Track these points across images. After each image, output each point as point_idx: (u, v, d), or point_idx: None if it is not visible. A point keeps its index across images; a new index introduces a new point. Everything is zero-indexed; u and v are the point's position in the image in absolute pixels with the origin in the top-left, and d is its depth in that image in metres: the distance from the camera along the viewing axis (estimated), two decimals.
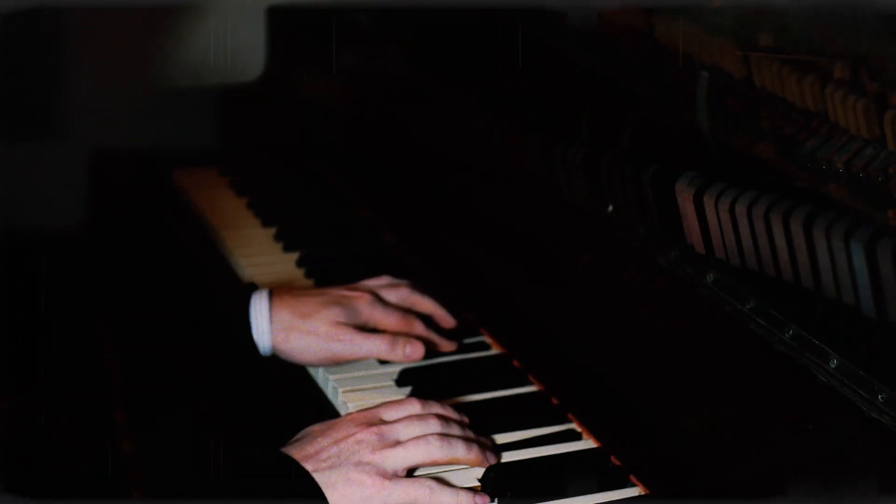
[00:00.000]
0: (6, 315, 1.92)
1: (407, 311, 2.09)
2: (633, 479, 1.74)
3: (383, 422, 1.75)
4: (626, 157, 1.80)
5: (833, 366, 1.49)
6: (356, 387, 2.00)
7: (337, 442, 1.71)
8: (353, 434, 1.71)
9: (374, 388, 2.00)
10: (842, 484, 1.46)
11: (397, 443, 1.72)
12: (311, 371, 2.07)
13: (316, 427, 1.76)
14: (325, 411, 2.00)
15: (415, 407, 1.78)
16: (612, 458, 1.79)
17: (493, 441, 1.83)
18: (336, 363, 2.04)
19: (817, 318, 1.50)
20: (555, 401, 1.94)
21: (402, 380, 2.01)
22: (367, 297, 2.07)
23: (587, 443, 1.84)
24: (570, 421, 1.88)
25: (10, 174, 1.92)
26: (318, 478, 1.67)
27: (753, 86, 1.57)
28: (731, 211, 1.49)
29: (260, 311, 2.01)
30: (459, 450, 1.74)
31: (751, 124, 1.58)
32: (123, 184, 2.52)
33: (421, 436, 1.73)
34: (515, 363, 2.05)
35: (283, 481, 1.68)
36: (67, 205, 2.04)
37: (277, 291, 2.06)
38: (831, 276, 1.37)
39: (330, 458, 1.69)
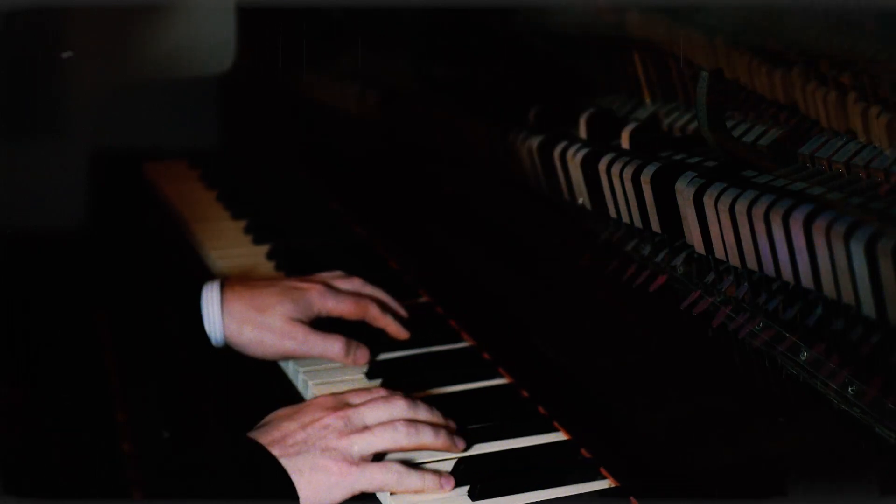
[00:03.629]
0: (4, 315, 1.86)
1: (360, 296, 2.02)
2: (603, 471, 1.70)
3: (350, 405, 1.69)
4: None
5: (804, 358, 1.45)
6: (326, 379, 1.94)
7: (304, 427, 1.65)
8: (320, 419, 1.66)
9: (344, 380, 1.94)
10: (812, 475, 1.42)
11: (364, 428, 1.66)
12: (282, 363, 2.01)
13: (282, 411, 1.70)
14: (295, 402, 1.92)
15: (381, 392, 1.73)
16: (583, 451, 1.74)
17: (461, 427, 1.76)
18: (288, 359, 1.98)
19: (786, 310, 1.46)
20: (525, 393, 1.90)
21: (372, 372, 1.96)
22: (319, 287, 2.01)
23: (558, 435, 1.79)
24: (540, 414, 1.83)
25: (6, 172, 1.86)
26: (286, 463, 1.62)
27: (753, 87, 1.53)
28: (731, 211, 1.46)
29: (211, 302, 1.94)
30: (427, 435, 1.68)
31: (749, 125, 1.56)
32: (111, 180, 2.46)
33: (388, 421, 1.67)
34: (486, 355, 2.01)
35: (252, 468, 1.62)
36: (62, 203, 1.97)
37: (229, 282, 1.99)
38: (831, 276, 1.34)
39: (297, 443, 1.63)
